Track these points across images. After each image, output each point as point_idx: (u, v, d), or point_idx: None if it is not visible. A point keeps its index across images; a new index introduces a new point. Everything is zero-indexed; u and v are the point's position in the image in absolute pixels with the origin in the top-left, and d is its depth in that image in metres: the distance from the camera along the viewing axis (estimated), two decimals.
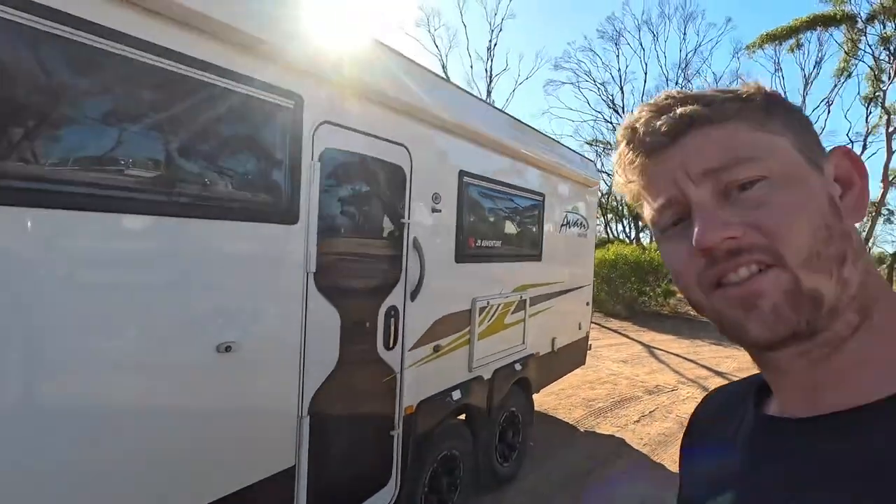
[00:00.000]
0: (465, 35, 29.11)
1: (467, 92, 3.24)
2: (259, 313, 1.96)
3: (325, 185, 2.23)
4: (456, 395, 3.22)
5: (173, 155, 1.68)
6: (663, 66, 34.52)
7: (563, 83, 29.63)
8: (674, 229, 0.49)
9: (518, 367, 3.99)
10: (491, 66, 24.24)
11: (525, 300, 4.06)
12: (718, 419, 0.59)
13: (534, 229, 4.29)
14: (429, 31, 28.69)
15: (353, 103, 2.33)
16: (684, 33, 25.13)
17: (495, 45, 25.97)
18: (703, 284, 0.47)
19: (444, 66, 24.78)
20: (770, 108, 0.48)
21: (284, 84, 1.97)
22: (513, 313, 3.91)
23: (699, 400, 0.69)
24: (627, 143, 0.51)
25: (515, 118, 3.96)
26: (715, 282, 0.46)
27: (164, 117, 1.65)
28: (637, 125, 0.50)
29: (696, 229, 0.45)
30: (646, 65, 35.26)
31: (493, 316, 3.62)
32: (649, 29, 26.26)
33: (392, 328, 2.65)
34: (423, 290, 2.80)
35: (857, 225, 0.47)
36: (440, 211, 2.99)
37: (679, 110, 0.47)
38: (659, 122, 0.48)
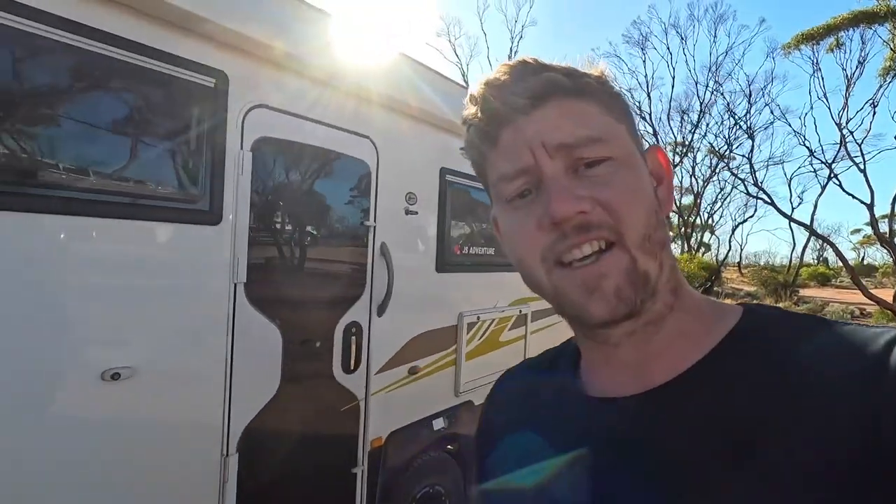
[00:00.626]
0: (486, 43, 28.98)
1: (450, 80, 2.89)
2: (166, 333, 1.62)
3: (259, 180, 1.89)
4: (438, 423, 2.82)
5: (51, 140, 1.37)
6: (692, 70, 33.38)
7: None
8: (521, 201, 0.49)
9: None
10: None
11: (525, 314, 3.64)
12: (526, 405, 0.58)
13: None
14: (449, 41, 28.61)
15: (298, 86, 2.01)
16: (714, 35, 24.11)
17: (516, 52, 25.64)
18: (547, 261, 0.47)
19: (464, 75, 24.59)
20: (614, 95, 0.50)
21: (199, 57, 1.66)
22: (510, 329, 3.49)
23: None
24: (485, 104, 0.49)
25: None
26: (559, 259, 0.46)
27: (40, 94, 1.35)
28: (497, 86, 0.48)
29: (551, 201, 0.45)
30: (673, 69, 34.25)
31: (485, 332, 3.21)
32: (677, 32, 25.49)
33: (353, 348, 2.28)
34: (392, 304, 2.43)
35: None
36: (416, 213, 2.62)
37: (545, 75, 0.47)
38: (522, 85, 0.47)
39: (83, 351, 1.43)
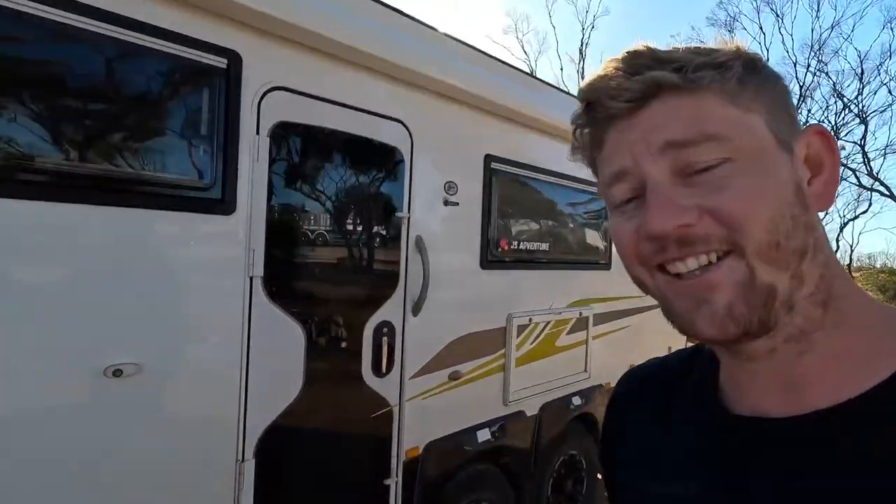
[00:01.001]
0: (555, 37, 27.88)
1: (499, 60, 2.64)
2: (174, 328, 1.53)
3: (278, 167, 1.78)
4: (483, 434, 2.58)
5: (49, 124, 1.32)
6: (789, 50, 30.09)
7: None
8: (627, 206, 0.46)
9: (578, 400, 3.22)
10: (582, 68, 22.81)
11: (587, 318, 3.29)
12: (656, 409, 0.54)
13: (599, 230, 3.50)
14: (517, 38, 28.00)
15: (320, 66, 1.87)
16: (817, 9, 21.37)
17: (587, 44, 24.56)
18: (646, 264, 0.44)
19: (532, 72, 23.97)
20: (746, 78, 0.43)
21: (207, 36, 1.56)
22: (569, 334, 3.16)
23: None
24: (588, 105, 0.46)
25: (571, 94, 3.25)
26: (660, 264, 0.43)
27: (38, 76, 1.31)
28: (601, 85, 0.45)
29: (648, 212, 0.42)
30: (767, 50, 30.80)
31: (538, 336, 2.92)
32: (772, 9, 23.02)
33: (385, 349, 2.11)
34: (429, 303, 2.23)
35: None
36: (456, 204, 2.41)
37: (648, 74, 0.42)
38: (626, 84, 0.43)
39: (83, 345, 1.36)
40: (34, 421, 1.30)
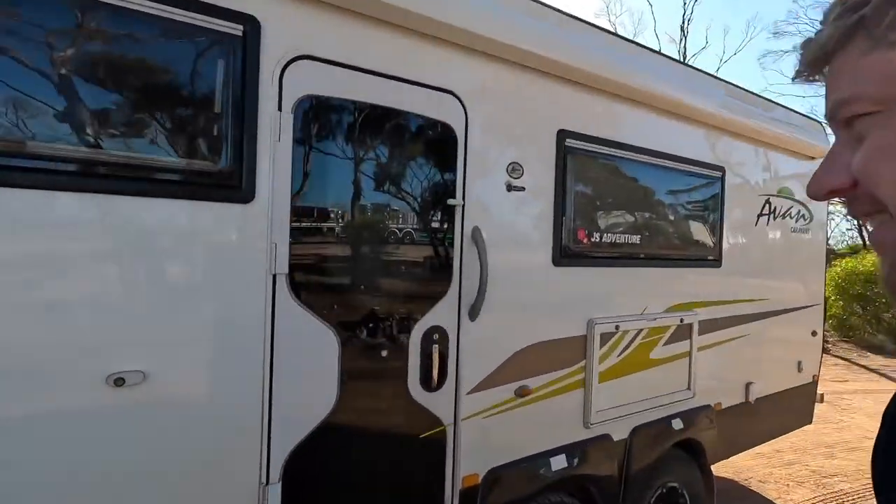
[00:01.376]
0: (652, 15, 25.55)
1: (573, 16, 2.22)
2: (185, 332, 1.36)
3: (304, 148, 1.55)
4: (559, 461, 2.18)
5: (42, 103, 1.20)
6: None
7: (787, 52, 23.30)
8: None
9: (678, 423, 2.69)
10: (684, 47, 20.66)
11: (690, 325, 2.73)
12: None
13: (706, 221, 2.91)
14: (609, 20, 26.09)
15: (354, 30, 1.61)
16: None
17: (689, 21, 22.35)
18: None
19: None
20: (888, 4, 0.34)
21: (221, 0, 1.36)
22: (667, 343, 2.64)
23: None
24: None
25: (668, 57, 2.70)
26: None
27: (29, 50, 1.19)
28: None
29: None
30: None
31: (627, 347, 2.45)
32: None
33: (436, 359, 1.81)
34: (490, 306, 1.90)
35: None
36: (522, 189, 2.04)
37: (812, 41, 0.39)
38: (805, 48, 0.40)
39: (81, 351, 1.22)
40: (26, 435, 1.17)
